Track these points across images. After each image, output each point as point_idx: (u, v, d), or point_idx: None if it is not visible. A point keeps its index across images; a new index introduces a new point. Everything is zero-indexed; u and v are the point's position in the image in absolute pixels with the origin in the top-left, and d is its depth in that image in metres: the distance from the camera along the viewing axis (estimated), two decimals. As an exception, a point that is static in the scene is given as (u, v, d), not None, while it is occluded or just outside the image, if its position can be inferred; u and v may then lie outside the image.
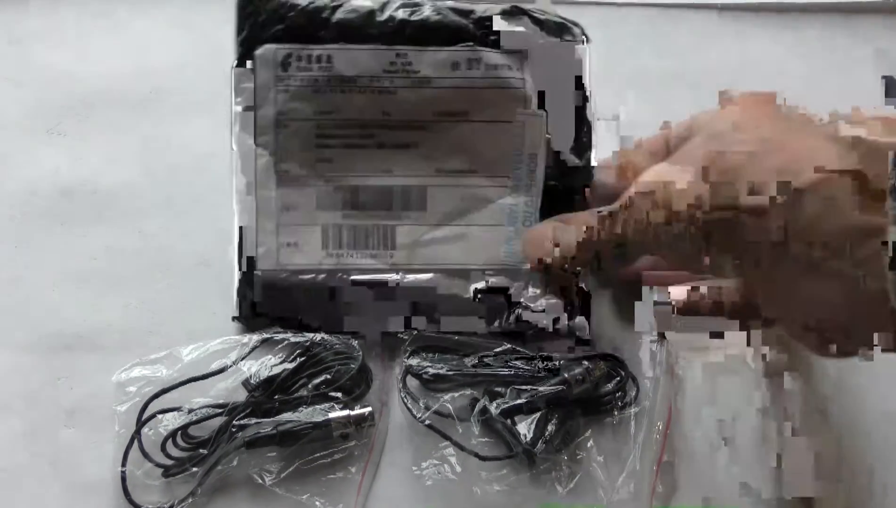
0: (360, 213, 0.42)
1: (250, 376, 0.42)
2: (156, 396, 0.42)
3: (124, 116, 0.50)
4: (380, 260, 0.41)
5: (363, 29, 0.42)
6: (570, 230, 0.39)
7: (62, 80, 0.51)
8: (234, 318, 0.44)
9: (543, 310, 0.42)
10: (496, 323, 0.42)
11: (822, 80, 0.52)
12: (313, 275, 0.41)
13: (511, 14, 0.43)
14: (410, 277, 0.42)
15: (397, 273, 0.42)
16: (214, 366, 0.42)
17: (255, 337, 0.43)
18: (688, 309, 0.40)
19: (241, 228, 0.42)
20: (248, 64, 0.42)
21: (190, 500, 0.41)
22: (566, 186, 0.42)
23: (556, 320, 0.42)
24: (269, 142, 0.42)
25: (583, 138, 0.43)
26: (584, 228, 0.37)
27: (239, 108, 0.42)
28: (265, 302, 0.41)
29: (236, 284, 0.43)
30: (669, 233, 0.33)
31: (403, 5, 0.42)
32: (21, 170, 0.49)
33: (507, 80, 0.42)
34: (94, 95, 0.51)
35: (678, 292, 0.41)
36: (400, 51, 0.41)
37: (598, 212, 0.37)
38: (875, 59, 0.53)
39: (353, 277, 0.42)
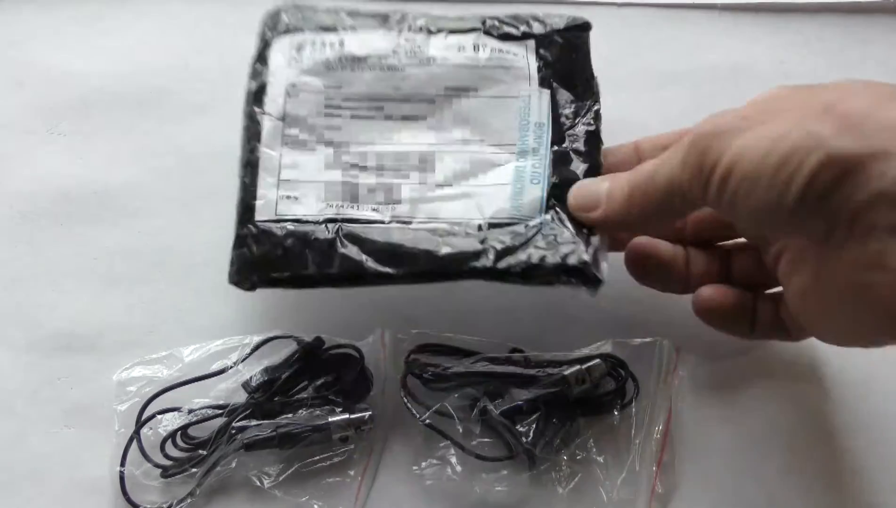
0: (365, 173, 0.41)
1: (250, 377, 0.42)
2: (156, 396, 0.42)
3: (124, 116, 0.50)
4: (382, 213, 0.41)
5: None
6: (620, 179, 0.38)
7: (62, 80, 0.51)
8: (228, 280, 0.41)
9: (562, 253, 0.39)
10: (503, 262, 0.39)
11: (821, 80, 0.52)
12: (312, 225, 0.40)
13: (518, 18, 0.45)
14: (414, 227, 0.40)
15: (400, 224, 0.40)
16: (215, 367, 0.42)
17: (255, 338, 0.43)
18: (713, 312, 0.40)
19: (242, 182, 0.41)
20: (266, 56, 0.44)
21: (189, 501, 0.41)
22: (575, 150, 0.42)
23: (566, 256, 0.39)
24: (278, 109, 0.42)
25: (591, 111, 0.43)
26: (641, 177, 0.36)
27: (253, 87, 0.43)
28: (260, 253, 0.40)
29: (232, 242, 0.41)
30: (758, 185, 0.31)
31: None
32: (21, 170, 0.49)
33: (513, 61, 0.43)
34: (94, 95, 0.51)
35: (709, 291, 0.40)
36: (409, 36, 0.44)
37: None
38: (874, 60, 0.53)
39: (350, 228, 0.40)
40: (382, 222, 0.40)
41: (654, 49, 0.53)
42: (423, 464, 0.41)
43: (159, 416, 0.42)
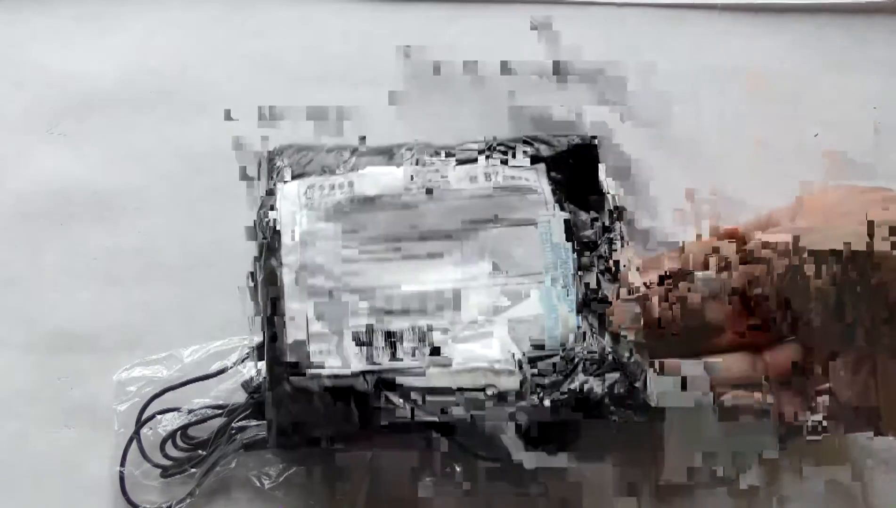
0: (393, 317, 0.40)
1: (250, 377, 0.42)
2: (156, 396, 0.42)
3: (124, 116, 0.50)
4: (418, 359, 0.39)
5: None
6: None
7: (62, 80, 0.51)
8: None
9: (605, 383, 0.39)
10: (548, 399, 0.39)
11: (821, 80, 0.52)
12: (349, 378, 0.39)
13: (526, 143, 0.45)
14: (453, 370, 0.39)
15: (438, 367, 0.40)
16: (214, 368, 0.42)
17: (255, 339, 0.43)
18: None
19: (268, 339, 0.40)
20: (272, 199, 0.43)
21: (188, 501, 0.41)
22: (601, 269, 0.42)
23: (612, 386, 0.39)
24: (295, 262, 0.41)
25: (604, 222, 0.44)
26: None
27: (265, 236, 0.42)
28: (299, 413, 0.38)
29: (268, 406, 0.40)
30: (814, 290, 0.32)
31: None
32: (21, 170, 0.49)
33: (527, 185, 0.43)
34: (94, 95, 0.51)
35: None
36: (417, 169, 0.43)
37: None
38: (875, 60, 0.53)
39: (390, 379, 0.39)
40: (420, 367, 0.39)
41: (654, 49, 0.53)
42: (421, 462, 0.41)
43: (159, 416, 0.42)
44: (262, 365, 0.40)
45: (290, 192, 0.42)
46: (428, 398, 0.39)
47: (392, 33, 0.53)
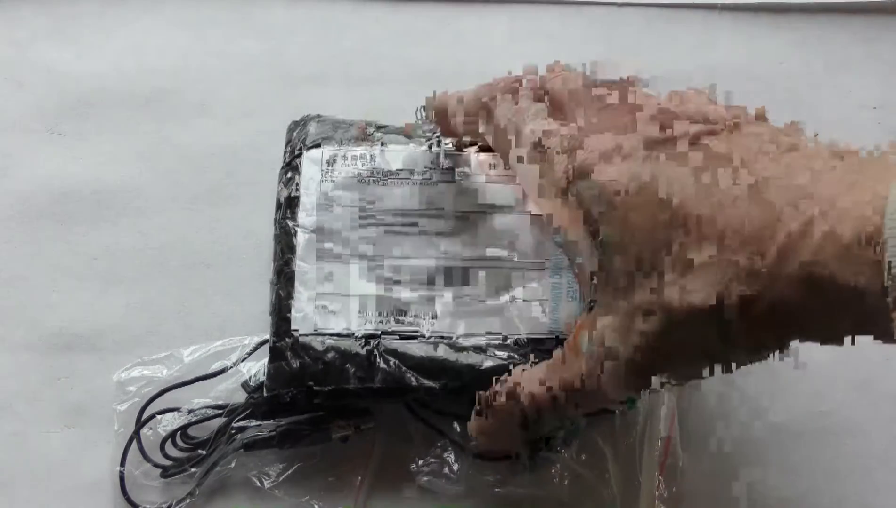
0: (401, 287, 0.42)
1: (250, 377, 0.42)
2: (156, 396, 0.42)
3: (124, 116, 0.50)
4: (421, 328, 0.41)
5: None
6: None
7: (62, 80, 0.51)
8: (261, 393, 0.41)
9: None
10: None
11: (821, 80, 0.52)
12: (351, 340, 0.40)
13: None
14: (454, 342, 0.41)
15: (437, 340, 0.41)
16: (215, 367, 0.42)
17: (255, 339, 0.43)
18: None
19: (277, 294, 0.42)
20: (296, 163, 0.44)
21: (188, 501, 0.41)
22: None
23: None
24: (311, 223, 0.42)
25: None
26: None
27: (284, 197, 0.43)
28: (299, 367, 0.40)
29: (267, 356, 0.41)
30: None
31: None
32: (21, 170, 0.49)
33: None
34: (94, 95, 0.51)
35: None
36: (440, 151, 0.44)
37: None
38: (875, 60, 0.53)
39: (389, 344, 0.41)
40: (423, 336, 0.41)
41: (654, 49, 0.53)
42: (420, 462, 0.41)
43: (159, 416, 0.42)
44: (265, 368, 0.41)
45: (313, 157, 0.44)
46: (427, 367, 0.40)
47: (392, 33, 0.53)
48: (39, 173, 0.49)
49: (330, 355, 0.40)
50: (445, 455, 0.41)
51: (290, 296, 0.41)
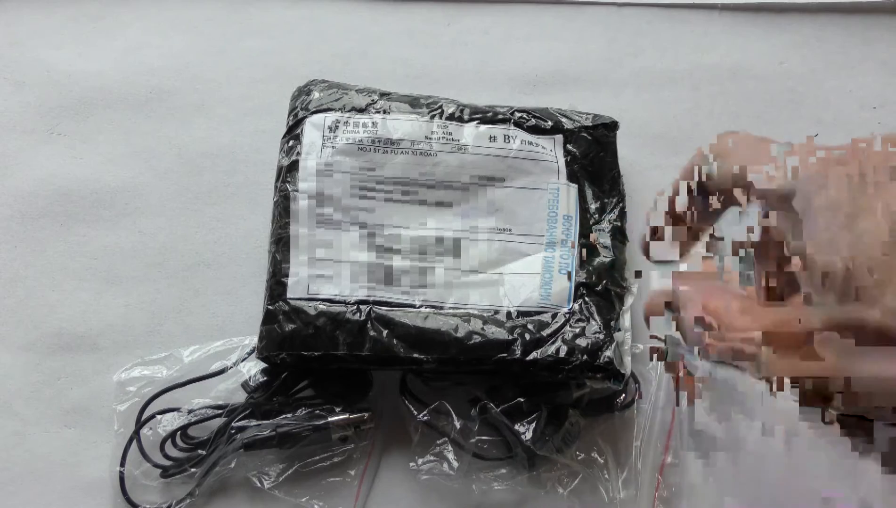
0: (396, 256, 0.42)
1: (249, 377, 0.42)
2: (156, 396, 0.42)
3: (124, 116, 0.50)
4: (413, 297, 0.41)
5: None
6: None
7: (62, 80, 0.51)
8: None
9: (586, 345, 0.40)
10: (531, 356, 0.40)
11: (821, 80, 0.52)
12: (343, 306, 0.40)
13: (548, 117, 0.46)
14: (444, 312, 0.41)
15: (431, 308, 0.41)
16: (214, 368, 0.42)
17: (255, 339, 0.43)
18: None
19: (273, 257, 0.42)
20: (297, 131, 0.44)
21: (188, 501, 0.41)
22: (602, 243, 0.43)
23: (593, 354, 0.40)
24: (311, 189, 0.42)
25: (617, 207, 0.45)
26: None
27: (285, 162, 0.43)
28: (291, 331, 0.40)
29: (261, 317, 0.41)
30: None
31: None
32: (21, 170, 0.49)
33: (542, 153, 0.44)
34: (94, 95, 0.51)
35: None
36: (441, 122, 0.44)
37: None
38: (875, 60, 0.53)
39: (380, 311, 0.40)
40: (413, 306, 0.41)
41: (654, 49, 0.53)
42: (420, 461, 0.41)
43: (159, 416, 0.42)
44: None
45: (316, 123, 0.44)
46: (416, 336, 0.40)
47: (392, 33, 0.53)
48: (39, 173, 0.49)
49: (321, 320, 0.40)
50: (443, 452, 0.41)
51: (286, 260, 0.41)
